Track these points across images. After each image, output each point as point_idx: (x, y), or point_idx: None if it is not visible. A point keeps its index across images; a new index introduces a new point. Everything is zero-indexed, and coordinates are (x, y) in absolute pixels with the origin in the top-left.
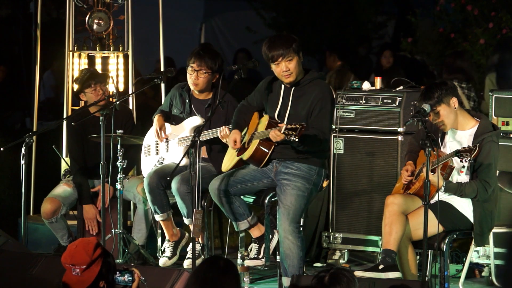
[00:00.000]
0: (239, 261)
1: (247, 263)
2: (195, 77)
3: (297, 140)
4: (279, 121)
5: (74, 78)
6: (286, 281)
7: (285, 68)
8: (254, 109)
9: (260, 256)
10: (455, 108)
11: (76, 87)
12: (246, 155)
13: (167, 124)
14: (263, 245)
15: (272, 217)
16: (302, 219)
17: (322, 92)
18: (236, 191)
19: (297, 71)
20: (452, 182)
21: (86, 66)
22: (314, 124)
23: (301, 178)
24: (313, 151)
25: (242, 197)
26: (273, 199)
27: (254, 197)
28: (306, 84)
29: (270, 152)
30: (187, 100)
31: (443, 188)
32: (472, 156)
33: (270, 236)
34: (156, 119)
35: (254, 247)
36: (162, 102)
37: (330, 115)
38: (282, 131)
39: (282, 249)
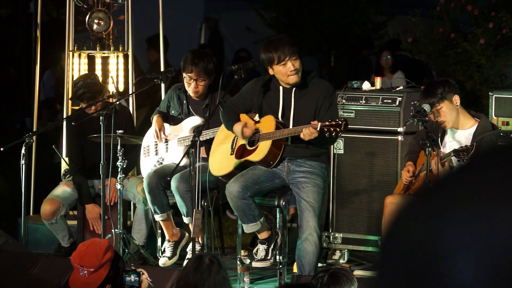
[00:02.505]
0: (238, 261)
1: (256, 264)
2: (194, 86)
3: (340, 135)
4: (283, 121)
5: (72, 83)
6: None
7: (292, 67)
8: (239, 111)
9: (269, 257)
10: (457, 105)
11: (72, 88)
12: (257, 157)
13: (166, 125)
14: (271, 246)
15: (272, 218)
16: None
17: (326, 88)
18: (253, 193)
19: (300, 71)
20: None
21: (86, 66)
22: (327, 119)
23: (317, 175)
24: (327, 146)
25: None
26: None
27: (273, 200)
28: (306, 84)
29: (281, 152)
30: (184, 101)
31: None
32: (469, 155)
33: (276, 237)
34: (154, 119)
35: (261, 248)
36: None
37: (337, 108)
38: (318, 128)
39: (303, 246)
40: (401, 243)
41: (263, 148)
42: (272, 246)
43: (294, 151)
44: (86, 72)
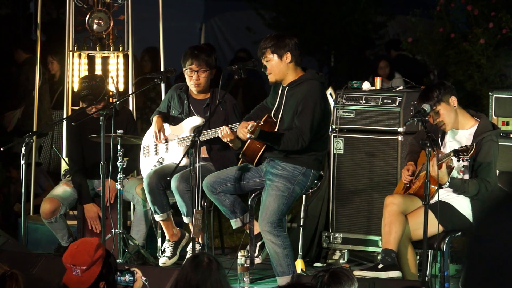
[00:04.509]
0: (239, 261)
1: (243, 261)
2: (196, 78)
3: (248, 137)
4: (275, 120)
5: (78, 83)
6: (278, 280)
7: (264, 67)
8: (270, 108)
9: (256, 254)
10: (455, 107)
11: (76, 88)
12: (242, 153)
13: (166, 125)
14: (259, 243)
15: None
16: (302, 219)
17: (307, 91)
18: (225, 189)
19: (277, 71)
20: (457, 178)
21: (86, 66)
22: (296, 124)
23: (283, 178)
24: (291, 151)
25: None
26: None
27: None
28: (297, 84)
29: (261, 150)
30: (185, 101)
31: (447, 183)
32: (469, 155)
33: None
34: (154, 120)
35: (248, 245)
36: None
37: (313, 114)
38: (247, 128)
39: (267, 250)
40: (489, 243)
41: (246, 145)
42: (259, 243)
43: (273, 152)
44: (86, 72)
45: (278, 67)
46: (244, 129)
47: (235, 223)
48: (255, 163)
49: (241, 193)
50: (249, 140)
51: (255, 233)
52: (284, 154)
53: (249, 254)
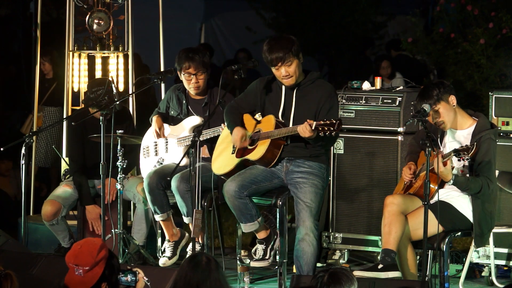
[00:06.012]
0: (238, 261)
1: (254, 264)
2: (195, 81)
3: (333, 134)
4: (283, 121)
5: (88, 87)
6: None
7: (285, 73)
8: (243, 111)
9: (267, 257)
10: (454, 105)
11: (83, 90)
12: (255, 156)
13: (165, 125)
14: (269, 246)
15: (272, 218)
16: None
17: (328, 90)
18: (250, 192)
19: (297, 73)
20: (461, 176)
21: (86, 66)
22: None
23: (315, 176)
24: (326, 148)
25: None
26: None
27: (270, 199)
28: (308, 84)
29: (280, 151)
30: (184, 101)
31: (451, 181)
32: (470, 154)
33: (275, 237)
34: (154, 119)
35: (260, 248)
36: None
37: (338, 111)
38: (313, 127)
39: (300, 246)
40: None
41: (261, 147)
42: (270, 246)
43: (293, 151)
44: (86, 72)
45: (299, 68)
46: (308, 127)
47: (253, 226)
48: (271, 165)
49: (256, 196)
50: (268, 145)
51: (261, 237)
52: (307, 153)
53: (262, 256)
